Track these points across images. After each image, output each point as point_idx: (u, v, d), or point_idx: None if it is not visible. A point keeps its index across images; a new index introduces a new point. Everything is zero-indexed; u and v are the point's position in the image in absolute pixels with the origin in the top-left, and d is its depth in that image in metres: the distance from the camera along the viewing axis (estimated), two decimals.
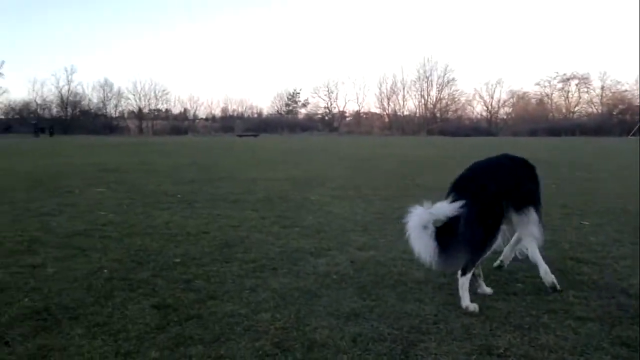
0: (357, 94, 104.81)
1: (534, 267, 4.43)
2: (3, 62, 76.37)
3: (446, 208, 3.61)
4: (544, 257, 4.10)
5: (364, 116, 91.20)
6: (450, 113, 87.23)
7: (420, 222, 3.59)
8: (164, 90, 77.95)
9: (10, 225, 6.09)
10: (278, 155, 22.52)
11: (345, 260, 4.71)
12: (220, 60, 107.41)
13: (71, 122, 68.58)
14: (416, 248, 3.62)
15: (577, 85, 76.57)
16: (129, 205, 7.72)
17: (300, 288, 3.90)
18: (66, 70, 71.45)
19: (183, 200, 8.23)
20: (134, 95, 76.19)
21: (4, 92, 68.18)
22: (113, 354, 2.79)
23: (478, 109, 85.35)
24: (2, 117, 68.74)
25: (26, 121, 61.98)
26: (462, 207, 3.56)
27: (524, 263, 4.60)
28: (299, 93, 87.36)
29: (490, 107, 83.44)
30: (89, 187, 9.69)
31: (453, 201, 3.64)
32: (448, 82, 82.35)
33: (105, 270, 4.30)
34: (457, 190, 3.78)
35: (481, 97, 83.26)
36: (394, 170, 13.97)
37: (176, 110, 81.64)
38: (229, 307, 3.49)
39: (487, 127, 79.96)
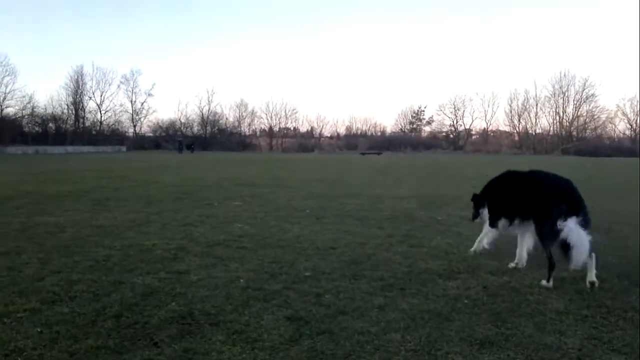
0: (485, 110, 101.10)
1: None
2: (154, 84, 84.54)
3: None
4: None
5: (492, 134, 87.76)
6: (588, 131, 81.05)
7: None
8: (293, 110, 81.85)
9: (159, 234, 6.68)
10: (402, 173, 22.38)
11: (476, 285, 4.55)
12: (346, 79, 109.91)
13: (210, 139, 73.81)
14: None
15: None
16: (263, 218, 8.12)
17: (431, 310, 3.83)
18: (207, 92, 77.65)
19: (312, 215, 8.48)
20: (266, 114, 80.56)
21: (153, 111, 75.68)
22: None
23: (620, 127, 78.35)
24: (151, 134, 75.87)
25: (172, 138, 67.78)
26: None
27: None
28: (423, 110, 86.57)
29: (635, 125, 76.17)
30: (227, 200, 10.35)
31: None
32: (587, 97, 76.79)
33: (242, 280, 4.56)
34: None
35: (624, 114, 76.42)
36: None
37: (303, 128, 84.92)
38: (359, 324, 3.52)
39: (631, 146, 72.98)
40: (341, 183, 15.34)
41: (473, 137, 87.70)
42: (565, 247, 4.35)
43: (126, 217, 8.08)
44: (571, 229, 4.34)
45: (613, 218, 8.64)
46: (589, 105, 77.13)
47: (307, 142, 79.00)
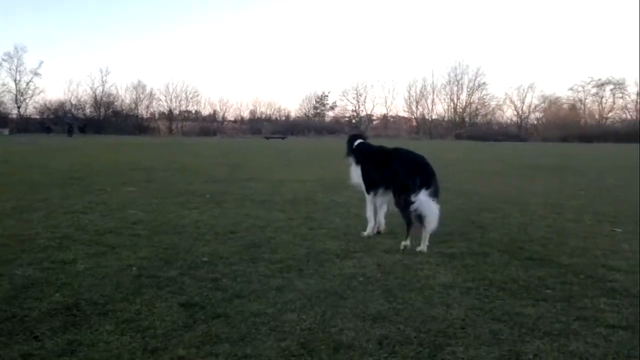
0: (385, 97, 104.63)
1: (564, 274, 4.41)
2: (41, 62, 78.46)
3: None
4: (574, 265, 4.11)
5: (392, 120, 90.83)
6: (479, 117, 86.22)
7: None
8: (194, 92, 79.20)
9: (43, 222, 6.23)
10: (305, 157, 22.59)
11: (371, 263, 4.69)
12: (250, 62, 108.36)
13: (104, 122, 69.91)
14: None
15: (611, 90, 74.82)
16: (159, 204, 7.84)
17: (327, 289, 3.89)
18: (101, 72, 73.08)
19: (212, 200, 8.32)
20: (165, 96, 77.46)
21: (40, 92, 70.09)
22: (141, 350, 2.83)
23: (508, 114, 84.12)
24: (38, 116, 70.46)
25: (61, 120, 63.38)
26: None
27: (553, 269, 4.55)
28: (327, 96, 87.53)
29: (520, 112, 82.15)
30: (121, 186, 9.87)
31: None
32: (479, 86, 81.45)
33: (134, 268, 4.37)
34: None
35: (512, 101, 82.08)
36: None
37: (206, 112, 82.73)
38: (255, 306, 3.50)
39: (517, 132, 78.79)
40: (244, 167, 15.18)
41: (374, 122, 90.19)
42: (420, 217, 4.99)
43: (5, 204, 7.46)
44: (422, 200, 4.97)
45: (499, 198, 9.28)
46: (481, 93, 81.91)
47: (209, 126, 77.13)
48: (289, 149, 30.80)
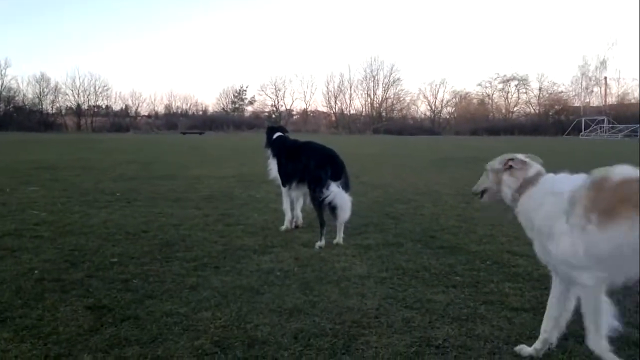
0: (304, 92, 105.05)
1: (472, 261, 4.61)
2: None
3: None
4: (482, 251, 4.33)
5: (311, 114, 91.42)
6: (395, 112, 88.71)
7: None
8: (104, 86, 75.29)
9: None
10: (224, 153, 22.24)
11: (289, 257, 4.68)
12: (163, 55, 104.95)
13: (4, 118, 65.16)
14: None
15: (516, 86, 79.34)
16: (64, 204, 7.41)
17: (243, 286, 3.84)
18: (0, 64, 67.75)
19: (122, 198, 7.97)
20: (72, 90, 73.22)
21: None
22: (42, 357, 2.66)
23: (422, 109, 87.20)
24: None
25: None
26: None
27: (462, 257, 4.75)
28: (245, 90, 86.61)
29: (434, 107, 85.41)
30: (22, 186, 9.24)
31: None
32: (394, 81, 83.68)
33: (36, 272, 4.09)
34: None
35: (425, 97, 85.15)
36: None
37: (117, 106, 79.08)
38: (168, 306, 3.39)
39: (431, 126, 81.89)
40: (157, 164, 14.68)
41: (294, 117, 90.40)
42: (332, 207, 5.09)
43: None
44: (335, 192, 5.07)
45: (413, 190, 9.57)
46: (396, 89, 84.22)
47: (121, 122, 73.87)
48: (206, 145, 30.18)
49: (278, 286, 3.86)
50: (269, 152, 6.05)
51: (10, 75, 69.56)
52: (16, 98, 69.65)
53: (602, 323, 2.50)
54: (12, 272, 4.08)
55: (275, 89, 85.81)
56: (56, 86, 72.21)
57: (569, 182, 2.60)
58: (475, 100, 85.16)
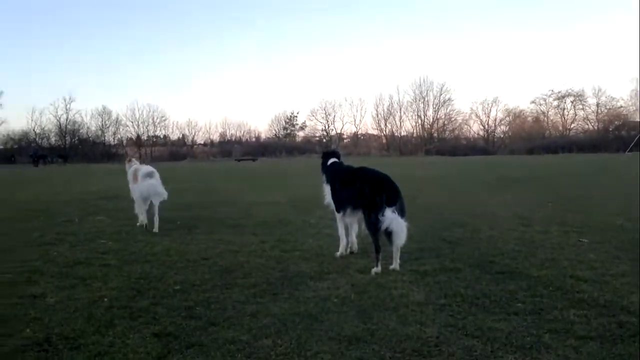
0: (354, 115, 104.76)
1: (534, 286, 4.50)
2: (2, 92, 76.93)
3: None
4: (544, 276, 4.25)
5: (362, 137, 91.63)
6: (447, 133, 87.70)
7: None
8: (162, 117, 78.29)
9: (9, 256, 6.08)
10: (277, 179, 22.57)
11: (345, 284, 4.71)
12: (217, 84, 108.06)
13: (70, 150, 68.59)
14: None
15: (572, 102, 76.98)
16: (129, 232, 7.73)
17: (301, 313, 3.90)
18: (65, 100, 71.50)
19: (182, 226, 8.24)
20: (132, 122, 76.57)
21: (2, 122, 68.42)
22: None
23: (475, 128, 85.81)
24: (1, 147, 68.74)
25: (25, 151, 61.96)
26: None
27: (523, 282, 4.64)
28: (296, 116, 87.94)
29: (487, 126, 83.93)
30: (89, 216, 9.70)
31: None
32: (444, 102, 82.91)
33: (106, 299, 4.30)
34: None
35: (477, 116, 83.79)
36: None
37: (174, 136, 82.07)
38: (230, 333, 3.48)
39: (485, 146, 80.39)
40: (214, 191, 15.07)
41: (345, 140, 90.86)
42: (388, 233, 5.05)
43: None
44: (391, 218, 5.02)
45: (469, 212, 9.42)
46: (447, 109, 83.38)
47: (178, 150, 76.43)
48: (260, 171, 30.74)
49: (336, 313, 3.89)
50: (323, 177, 6.14)
51: (75, 110, 73.02)
52: (80, 131, 73.30)
53: None
54: (84, 300, 4.30)
55: (326, 113, 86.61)
56: (117, 118, 75.70)
57: None
58: (529, 118, 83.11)
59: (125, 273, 5.21)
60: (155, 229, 7.71)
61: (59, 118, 71.85)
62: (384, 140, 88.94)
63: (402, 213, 5.17)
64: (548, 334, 3.41)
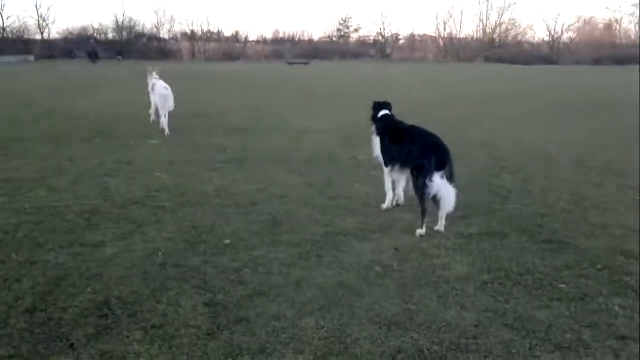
0: (411, 18, 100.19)
1: (580, 263, 4.44)
2: None
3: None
4: (592, 249, 4.28)
5: (418, 38, 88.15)
6: (510, 38, 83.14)
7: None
8: (217, 15, 77.45)
9: (72, 190, 6.41)
10: (328, 91, 22.27)
11: (389, 247, 4.78)
12: None
13: (126, 45, 69.04)
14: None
15: None
16: (182, 163, 7.96)
17: (344, 284, 4.01)
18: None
19: (233, 157, 8.39)
20: (186, 20, 76.16)
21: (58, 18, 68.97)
22: None
23: (540, 34, 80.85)
24: (61, 41, 69.93)
25: (84, 46, 62.86)
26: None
27: (570, 256, 4.58)
28: (350, 18, 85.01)
29: (553, 31, 78.82)
30: (144, 138, 10.00)
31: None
32: (509, 5, 77.92)
33: (160, 253, 4.54)
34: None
35: (544, 20, 78.60)
36: (446, 120, 13.60)
37: (228, 32, 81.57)
38: (275, 307, 3.64)
39: (548, 53, 75.99)
40: (265, 110, 15.04)
41: (400, 42, 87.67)
42: (435, 198, 5.03)
43: (35, 166, 7.67)
44: (438, 183, 4.98)
45: (523, 152, 9.15)
46: (511, 13, 78.54)
47: (232, 49, 76.00)
48: (310, 80, 30.33)
49: (377, 286, 3.99)
50: (373, 128, 6.03)
51: (131, 6, 73.09)
52: (136, 28, 73.50)
53: None
54: (139, 253, 4.55)
55: (382, 15, 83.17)
56: (172, 17, 75.29)
57: None
58: (600, 25, 77.31)
59: (177, 218, 5.44)
60: (167, 131, 10.34)
61: (116, 14, 72.05)
62: (441, 42, 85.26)
63: (450, 178, 5.09)
64: (588, 330, 3.41)
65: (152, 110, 11.32)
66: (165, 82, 11.04)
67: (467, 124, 12.67)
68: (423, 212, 5.15)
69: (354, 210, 5.81)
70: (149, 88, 11.39)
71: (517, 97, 19.96)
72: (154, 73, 11.51)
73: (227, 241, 4.85)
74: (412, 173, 5.30)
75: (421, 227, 5.13)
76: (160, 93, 10.55)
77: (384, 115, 5.92)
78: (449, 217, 5.26)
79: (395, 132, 5.68)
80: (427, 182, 4.96)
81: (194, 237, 4.93)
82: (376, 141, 5.93)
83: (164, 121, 10.48)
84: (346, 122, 12.47)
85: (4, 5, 69.43)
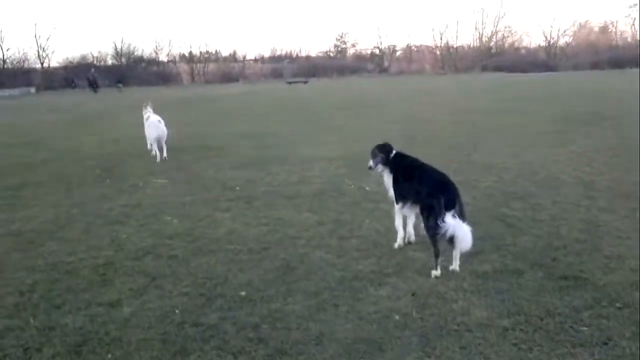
0: (408, 30, 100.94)
1: (600, 301, 4.40)
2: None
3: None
4: (609, 285, 4.20)
5: (415, 49, 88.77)
6: (506, 46, 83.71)
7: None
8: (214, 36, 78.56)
9: (84, 241, 6.42)
10: (329, 111, 22.36)
11: (406, 292, 4.76)
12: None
13: (126, 72, 69.61)
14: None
15: None
16: (191, 204, 7.98)
17: (365, 338, 3.99)
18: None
19: (242, 196, 8.40)
20: (184, 41, 76.98)
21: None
22: None
23: (536, 40, 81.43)
24: (62, 70, 70.62)
25: (84, 75, 63.41)
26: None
27: (588, 294, 4.55)
28: (347, 33, 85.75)
29: (549, 37, 79.25)
30: (151, 177, 10.05)
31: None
32: (505, 13, 78.62)
33: (177, 311, 4.53)
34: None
35: (540, 25, 79.27)
36: (449, 139, 13.66)
37: (226, 52, 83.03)
38: None
39: (546, 59, 76.40)
40: (270, 138, 15.12)
41: (397, 53, 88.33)
42: (451, 239, 4.92)
43: (46, 214, 7.70)
44: (453, 225, 4.88)
45: (529, 175, 9.13)
46: (507, 20, 79.18)
47: (230, 69, 76.72)
48: (312, 101, 30.46)
49: (398, 339, 3.97)
50: (380, 167, 5.92)
51: (129, 33, 74.32)
52: (135, 53, 74.31)
53: None
54: (157, 312, 4.54)
55: (378, 28, 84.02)
56: (170, 41, 76.32)
57: None
58: (596, 28, 77.74)
59: (192, 269, 5.44)
60: (165, 156, 11.91)
61: (114, 41, 72.85)
62: (438, 52, 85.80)
63: (462, 215, 5.09)
64: None
65: (149, 142, 12.62)
66: (166, 111, 11.82)
67: (470, 143, 12.70)
68: (436, 254, 5.12)
69: (366, 251, 5.81)
70: (144, 120, 12.68)
71: (518, 110, 20.01)
72: (148, 107, 12.81)
73: (243, 293, 4.85)
74: (421, 214, 5.29)
75: (436, 269, 5.11)
76: (153, 125, 12.12)
77: (396, 154, 5.90)
78: (462, 253, 5.24)
79: (407, 168, 5.68)
80: (439, 223, 4.92)
81: (210, 290, 4.93)
82: (389, 179, 5.88)
83: (156, 149, 11.96)
84: (350, 147, 12.50)
85: (3, 38, 70.28)
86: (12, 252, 6.11)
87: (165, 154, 11.91)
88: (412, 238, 5.97)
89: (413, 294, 4.72)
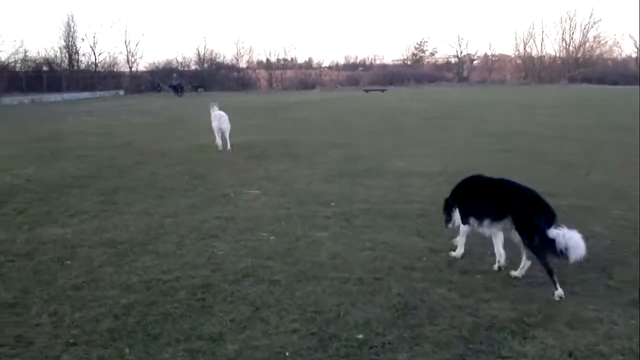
0: (489, 39, 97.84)
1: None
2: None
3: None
4: None
5: (494, 58, 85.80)
6: (595, 57, 79.29)
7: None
8: (291, 45, 79.80)
9: (178, 257, 5.99)
10: (416, 122, 21.51)
11: (559, 351, 3.92)
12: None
13: (208, 77, 71.38)
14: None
15: None
16: (287, 219, 7.44)
17: None
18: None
19: (338, 212, 7.76)
20: (264, 50, 78.58)
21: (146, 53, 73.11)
22: None
23: (627, 51, 76.80)
24: (148, 75, 73.54)
25: (168, 79, 65.61)
26: None
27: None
28: (426, 41, 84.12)
29: None
30: (243, 186, 9.63)
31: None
32: (594, 23, 74.45)
33: (287, 354, 3.94)
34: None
35: (631, 37, 74.64)
36: (559, 157, 12.51)
37: (301, 59, 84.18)
38: None
39: (637, 70, 71.61)
40: (357, 148, 14.48)
41: (474, 62, 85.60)
42: (562, 250, 4.54)
43: (138, 223, 7.39)
44: (560, 235, 4.54)
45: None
46: (597, 31, 75.02)
47: (307, 76, 77.09)
48: (393, 109, 29.65)
49: None
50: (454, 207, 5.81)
51: (212, 39, 77.09)
52: (217, 60, 76.35)
53: None
54: (264, 351, 3.95)
55: (458, 37, 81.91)
56: (250, 48, 78.01)
57: None
58: None
59: (297, 300, 4.84)
60: (229, 148, 14.01)
61: (198, 48, 75.17)
62: (519, 61, 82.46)
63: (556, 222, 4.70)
64: None
65: (216, 136, 14.14)
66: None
67: (585, 160, 11.52)
68: (550, 273, 4.72)
69: (495, 290, 4.98)
70: (212, 117, 14.33)
71: (622, 126, 18.28)
72: (215, 106, 14.53)
73: (360, 336, 4.19)
74: (521, 235, 4.91)
75: (556, 288, 4.69)
76: (217, 117, 14.10)
77: (470, 185, 5.75)
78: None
79: (483, 186, 5.48)
80: (545, 239, 4.59)
81: (322, 329, 4.30)
82: (458, 211, 5.72)
83: (219, 140, 14.05)
84: (449, 163, 11.65)
85: (96, 42, 74.35)
86: (106, 267, 5.76)
87: (229, 147, 13.83)
88: (502, 261, 5.45)
89: (570, 355, 3.88)
